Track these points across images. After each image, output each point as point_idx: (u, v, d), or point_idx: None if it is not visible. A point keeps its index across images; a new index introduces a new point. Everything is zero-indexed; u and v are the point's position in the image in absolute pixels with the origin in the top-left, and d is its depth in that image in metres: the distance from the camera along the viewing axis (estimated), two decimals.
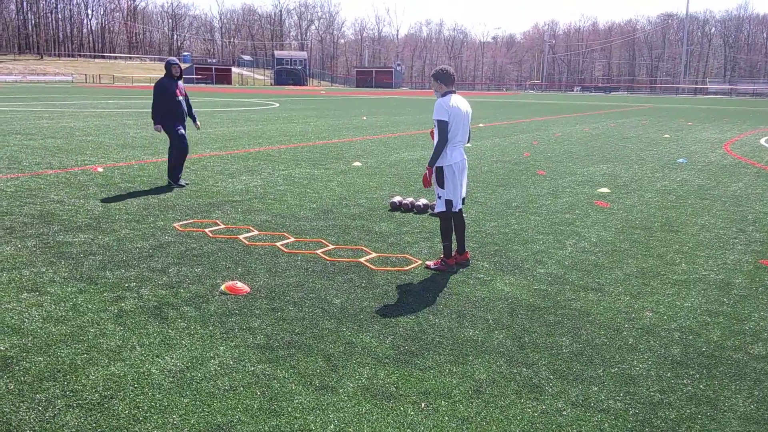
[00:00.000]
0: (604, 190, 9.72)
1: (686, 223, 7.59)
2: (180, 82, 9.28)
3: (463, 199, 5.63)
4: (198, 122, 9.59)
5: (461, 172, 5.47)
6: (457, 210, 5.57)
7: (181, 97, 9.17)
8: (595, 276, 5.48)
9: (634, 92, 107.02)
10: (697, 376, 3.70)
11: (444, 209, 5.49)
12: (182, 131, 9.20)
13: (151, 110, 9.15)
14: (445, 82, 5.40)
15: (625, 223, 7.51)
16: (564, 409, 3.29)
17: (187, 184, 9.41)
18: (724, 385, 3.59)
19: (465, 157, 5.53)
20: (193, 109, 9.55)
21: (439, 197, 5.48)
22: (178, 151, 9.19)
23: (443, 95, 5.38)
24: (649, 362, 3.85)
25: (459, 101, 5.39)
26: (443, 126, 5.25)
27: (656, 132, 21.64)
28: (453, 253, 5.70)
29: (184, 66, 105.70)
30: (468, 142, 5.61)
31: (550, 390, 3.48)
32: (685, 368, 3.79)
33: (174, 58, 9.42)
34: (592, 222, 7.54)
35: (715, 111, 39.73)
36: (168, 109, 9.07)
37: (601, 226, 7.35)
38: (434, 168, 5.41)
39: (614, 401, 3.38)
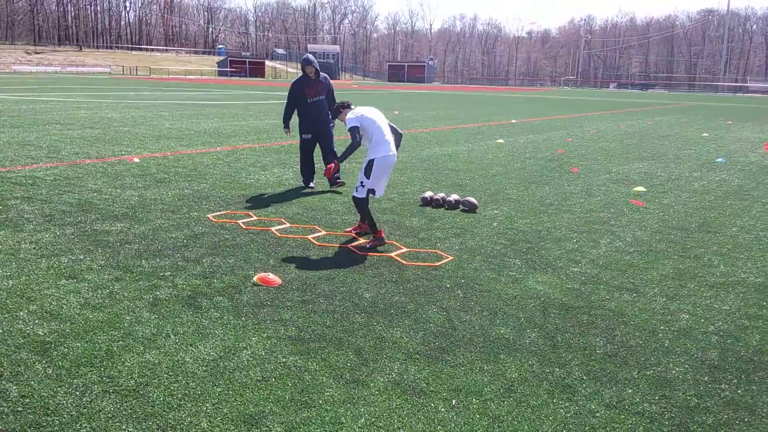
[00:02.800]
0: (640, 188, 9.55)
1: (725, 224, 7.41)
2: (325, 78, 8.59)
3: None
4: (332, 123, 8.76)
5: (390, 166, 6.04)
6: (377, 197, 6.20)
7: (317, 98, 8.52)
8: (630, 276, 5.39)
9: (672, 89, 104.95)
10: (735, 381, 3.61)
11: (363, 196, 5.98)
12: (307, 136, 8.65)
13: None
14: (346, 107, 6.25)
15: (661, 223, 7.37)
16: (597, 411, 3.24)
17: (312, 187, 8.85)
18: (762, 391, 3.51)
19: (395, 152, 6.07)
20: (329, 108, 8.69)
21: (362, 185, 5.96)
22: (303, 155, 8.79)
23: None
24: (686, 365, 3.77)
25: (365, 110, 6.09)
26: (354, 131, 5.89)
27: (694, 130, 21.19)
28: (357, 225, 6.42)
29: (217, 59, 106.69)
30: (397, 135, 6.27)
31: (583, 391, 3.44)
32: (722, 372, 3.70)
33: (309, 56, 8.43)
34: (627, 221, 7.42)
35: (756, 110, 38.72)
36: (299, 112, 8.63)
37: (636, 225, 7.23)
38: (366, 161, 5.96)
39: (649, 404, 3.32)
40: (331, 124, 8.78)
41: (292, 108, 8.68)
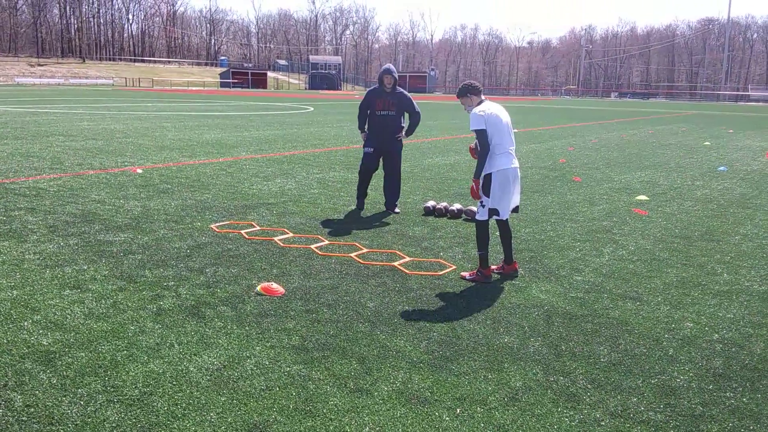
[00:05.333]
0: (643, 197, 9.56)
1: (728, 233, 7.41)
2: (401, 93, 7.92)
3: (517, 208, 5.54)
4: (402, 133, 8.05)
5: (512, 180, 5.31)
6: (504, 219, 5.41)
7: (386, 112, 7.88)
8: (634, 285, 5.38)
9: (673, 98, 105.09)
10: (740, 389, 3.60)
11: (485, 218, 5.30)
12: (368, 149, 8.01)
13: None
14: (474, 93, 5.37)
15: (664, 232, 7.36)
16: (602, 420, 3.24)
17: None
18: (767, 399, 3.50)
19: (517, 164, 5.37)
20: (413, 125, 8.10)
21: (483, 205, 5.27)
22: (362, 170, 8.14)
23: (476, 105, 5.33)
24: (690, 374, 3.76)
25: (493, 107, 5.33)
26: (482, 134, 5.18)
27: (696, 139, 21.21)
28: (500, 264, 5.62)
29: (219, 70, 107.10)
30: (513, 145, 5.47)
31: (587, 399, 3.43)
32: (727, 381, 3.69)
33: (389, 66, 7.94)
34: (630, 230, 7.42)
35: (757, 118, 38.77)
36: (369, 123, 8.07)
37: (639, 234, 7.23)
38: (481, 177, 5.27)
39: (654, 413, 3.31)
40: (399, 136, 8.05)
41: (364, 114, 8.12)
